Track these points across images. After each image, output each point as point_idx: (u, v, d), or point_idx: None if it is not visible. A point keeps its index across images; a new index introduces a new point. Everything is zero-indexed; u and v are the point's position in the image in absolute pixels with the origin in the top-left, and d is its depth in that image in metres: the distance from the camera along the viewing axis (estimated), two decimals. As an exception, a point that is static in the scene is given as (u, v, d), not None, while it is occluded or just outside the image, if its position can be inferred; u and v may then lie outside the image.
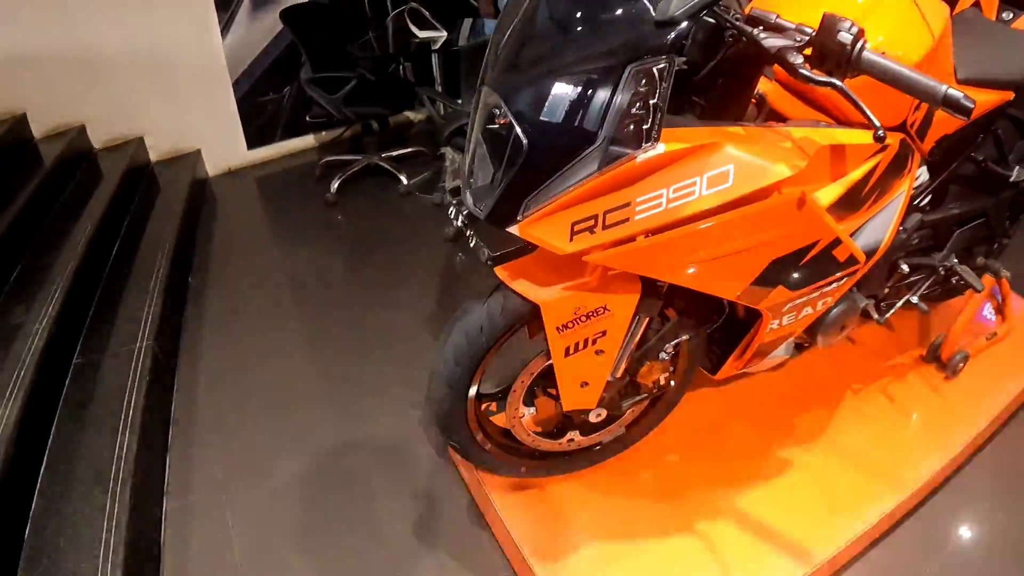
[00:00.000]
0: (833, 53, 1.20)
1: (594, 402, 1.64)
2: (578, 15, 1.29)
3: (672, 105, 1.32)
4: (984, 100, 1.92)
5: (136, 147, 3.78)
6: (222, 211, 3.90)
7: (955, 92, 1.14)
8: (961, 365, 2.35)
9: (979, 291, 2.21)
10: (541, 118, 1.23)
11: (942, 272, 2.18)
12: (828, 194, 1.49)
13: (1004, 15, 2.25)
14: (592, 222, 1.27)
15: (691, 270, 1.40)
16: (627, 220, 1.27)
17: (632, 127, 1.21)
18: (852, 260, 1.62)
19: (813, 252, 1.52)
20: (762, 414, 2.19)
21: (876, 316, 2.12)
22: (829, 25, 1.20)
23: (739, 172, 1.29)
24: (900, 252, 2.05)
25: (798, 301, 1.63)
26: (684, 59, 1.35)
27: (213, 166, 4.21)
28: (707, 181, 1.28)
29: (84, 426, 2.14)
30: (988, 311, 2.59)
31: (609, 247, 1.30)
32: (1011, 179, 2.17)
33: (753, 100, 1.51)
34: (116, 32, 3.59)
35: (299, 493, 2.15)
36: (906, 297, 2.19)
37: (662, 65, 1.18)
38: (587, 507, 1.90)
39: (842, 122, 1.56)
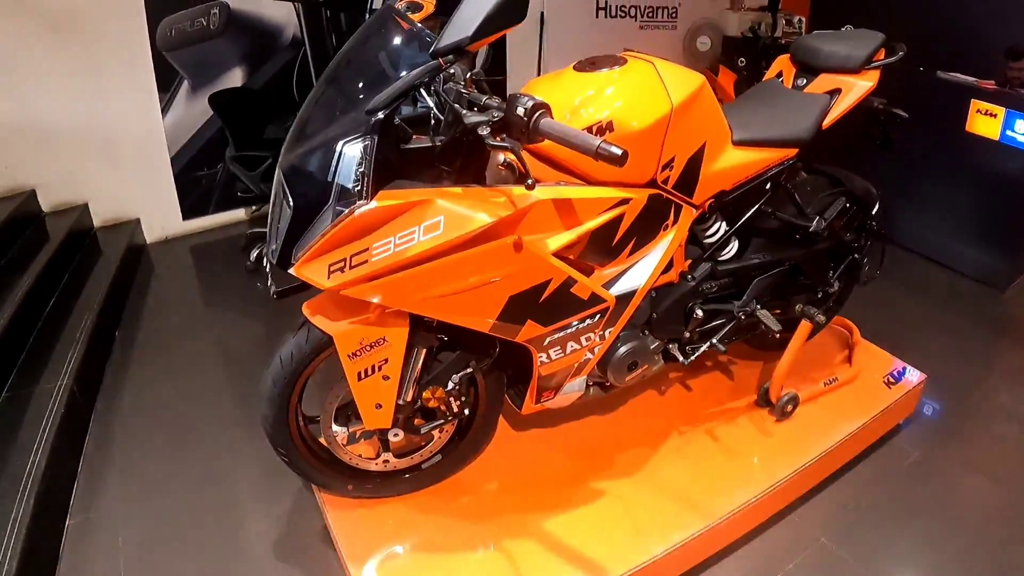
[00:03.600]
0: (516, 124, 1.44)
1: (388, 422, 1.89)
2: (330, 106, 1.67)
3: (429, 174, 1.65)
4: (760, 158, 2.15)
5: (81, 213, 4.01)
6: (156, 275, 4.11)
7: (606, 146, 1.33)
8: (790, 407, 2.45)
9: (775, 332, 2.32)
10: (299, 186, 1.59)
11: (742, 317, 2.31)
12: (557, 241, 1.73)
13: (799, 81, 2.44)
14: (343, 263, 1.55)
15: (438, 305, 1.65)
16: (366, 262, 1.54)
17: (351, 189, 1.53)
18: (597, 299, 1.86)
19: (549, 291, 1.75)
20: (585, 450, 2.34)
21: (681, 358, 2.25)
22: (511, 102, 1.45)
23: (448, 221, 1.55)
24: (694, 299, 2.21)
25: (557, 336, 1.87)
26: (442, 137, 1.63)
27: (151, 234, 4.42)
28: (423, 229, 1.54)
29: (5, 450, 2.36)
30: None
31: (358, 283, 1.56)
32: (810, 229, 2.33)
33: (504, 167, 1.75)
34: (66, 105, 3.85)
35: (182, 517, 2.36)
36: (709, 340, 2.31)
37: (366, 142, 1.52)
38: (410, 526, 2.08)
39: (591, 182, 1.80)
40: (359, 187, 1.53)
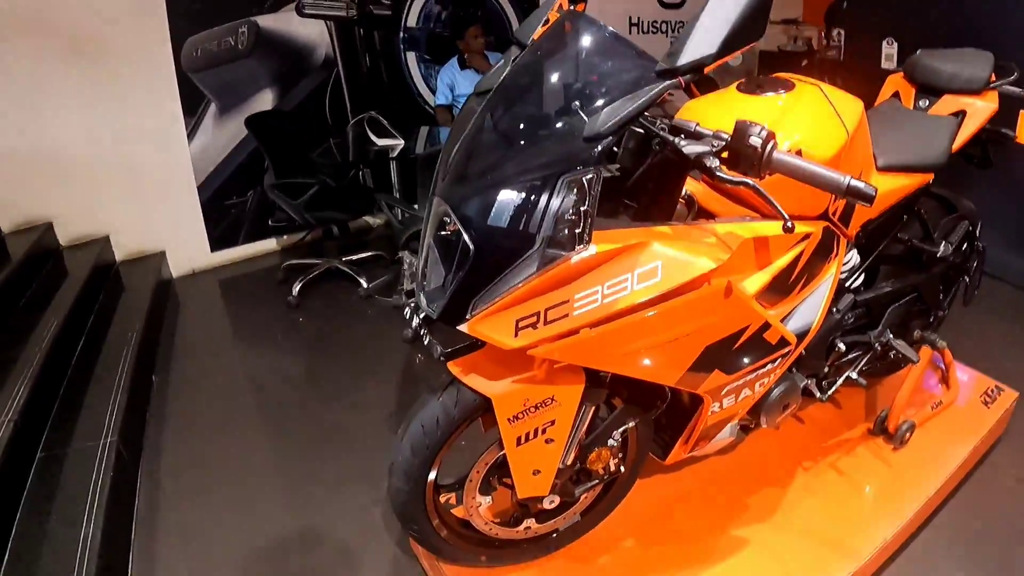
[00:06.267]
0: (746, 156, 1.30)
1: (547, 489, 1.69)
2: (519, 131, 1.46)
3: (606, 208, 1.45)
4: (903, 184, 2.08)
5: (102, 246, 3.84)
6: (185, 312, 3.95)
7: (857, 183, 1.23)
8: (908, 435, 2.39)
9: (915, 363, 2.26)
10: (486, 225, 1.35)
11: (878, 348, 2.23)
12: (755, 282, 1.60)
13: (920, 103, 2.39)
14: (535, 319, 1.36)
15: (630, 359, 1.48)
16: (567, 316, 1.36)
17: (566, 231, 1.32)
18: (783, 342, 1.71)
19: (744, 337, 1.61)
20: (715, 496, 2.21)
21: (818, 394, 2.16)
22: (742, 130, 1.30)
23: (666, 267, 1.39)
24: (836, 332, 2.12)
25: (735, 384, 1.71)
26: (617, 166, 1.46)
27: (177, 267, 4.27)
28: (637, 277, 1.38)
29: (47, 519, 2.13)
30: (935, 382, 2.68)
31: (552, 341, 1.38)
32: (939, 254, 2.30)
33: (683, 200, 1.59)
34: (85, 133, 3.72)
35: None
36: (846, 374, 2.23)
37: (590, 175, 1.31)
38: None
39: (767, 216, 1.65)
40: (579, 229, 1.34)
